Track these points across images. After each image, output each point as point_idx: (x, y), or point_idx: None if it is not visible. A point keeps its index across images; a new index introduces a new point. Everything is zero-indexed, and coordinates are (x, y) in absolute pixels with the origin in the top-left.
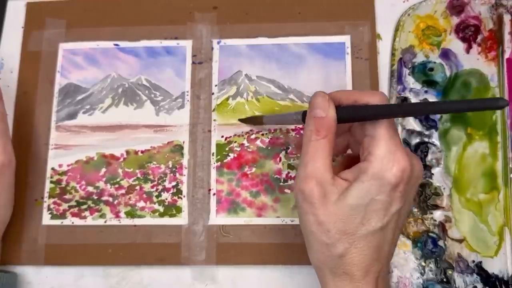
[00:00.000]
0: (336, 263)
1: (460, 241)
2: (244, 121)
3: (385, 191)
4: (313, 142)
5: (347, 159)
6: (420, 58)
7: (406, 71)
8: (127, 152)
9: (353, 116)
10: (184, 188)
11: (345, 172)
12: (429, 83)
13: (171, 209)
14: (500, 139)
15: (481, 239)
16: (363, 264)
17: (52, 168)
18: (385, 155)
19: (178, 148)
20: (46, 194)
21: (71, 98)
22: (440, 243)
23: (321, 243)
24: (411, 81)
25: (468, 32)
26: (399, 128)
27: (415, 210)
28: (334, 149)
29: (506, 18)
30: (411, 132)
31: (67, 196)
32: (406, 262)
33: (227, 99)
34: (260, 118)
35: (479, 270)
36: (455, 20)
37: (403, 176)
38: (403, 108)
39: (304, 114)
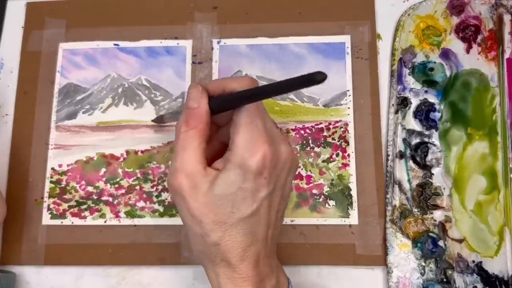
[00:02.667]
0: (212, 252)
1: (460, 241)
2: (155, 121)
3: (250, 179)
4: (182, 134)
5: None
6: (420, 58)
7: (406, 71)
8: (127, 152)
9: (218, 106)
10: None
11: (218, 161)
12: (429, 83)
13: (171, 209)
14: (500, 139)
15: (481, 239)
16: (238, 250)
17: (52, 168)
18: (245, 143)
19: None
20: (46, 194)
21: (71, 98)
22: (440, 243)
23: (196, 234)
24: (411, 81)
25: (468, 32)
26: (399, 128)
27: (415, 210)
28: (223, 138)
29: (506, 18)
30: (411, 132)
31: (67, 196)
32: (406, 262)
33: None
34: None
35: (479, 270)
36: (455, 20)
37: (265, 162)
38: (259, 90)
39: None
